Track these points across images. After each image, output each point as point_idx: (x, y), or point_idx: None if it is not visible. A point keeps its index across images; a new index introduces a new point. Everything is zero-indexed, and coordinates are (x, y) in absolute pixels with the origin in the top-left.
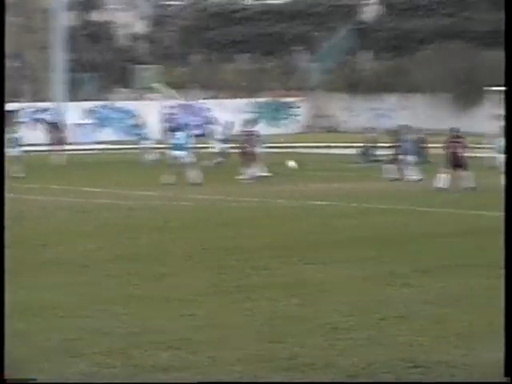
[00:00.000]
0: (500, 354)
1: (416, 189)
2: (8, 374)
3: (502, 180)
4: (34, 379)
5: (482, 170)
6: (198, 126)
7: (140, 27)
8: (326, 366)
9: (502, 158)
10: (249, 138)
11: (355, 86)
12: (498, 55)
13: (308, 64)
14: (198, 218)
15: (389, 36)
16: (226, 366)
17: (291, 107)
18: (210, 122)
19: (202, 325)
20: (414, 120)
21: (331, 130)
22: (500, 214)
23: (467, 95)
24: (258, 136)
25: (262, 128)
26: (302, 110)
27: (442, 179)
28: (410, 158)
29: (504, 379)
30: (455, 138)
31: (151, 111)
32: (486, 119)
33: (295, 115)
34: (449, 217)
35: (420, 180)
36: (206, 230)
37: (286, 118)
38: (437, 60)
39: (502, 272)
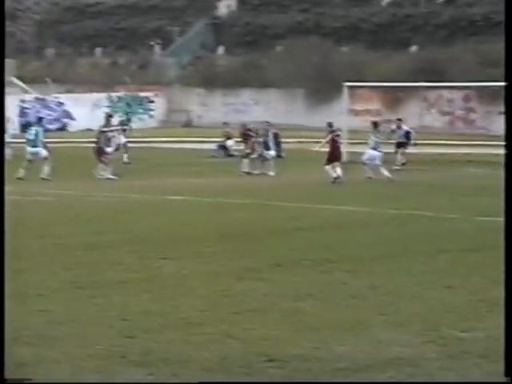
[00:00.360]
0: (349, 348)
1: (273, 183)
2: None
3: (369, 173)
4: (35, 379)
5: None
6: (52, 121)
7: None
8: (181, 360)
9: (373, 153)
10: (104, 134)
11: (211, 80)
12: (352, 51)
13: (163, 58)
14: (52, 214)
15: (243, 31)
16: (79, 362)
17: (147, 102)
18: (65, 116)
19: (58, 320)
20: (269, 115)
21: (187, 124)
22: (358, 209)
23: (321, 90)
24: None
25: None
26: (157, 105)
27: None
28: (270, 153)
29: (504, 379)
30: (332, 133)
31: (7, 106)
32: (339, 114)
33: (151, 110)
34: (307, 211)
35: (276, 175)
36: (60, 226)
37: (142, 113)
38: (291, 55)
39: (357, 266)
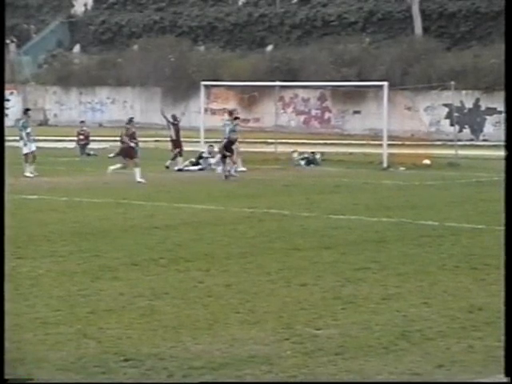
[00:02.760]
0: (205, 346)
1: (130, 182)
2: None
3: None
4: (35, 379)
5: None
6: None
7: None
8: (37, 360)
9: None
10: None
11: (66, 79)
12: (208, 50)
13: (18, 56)
14: None
15: (99, 30)
16: None
17: None
18: None
19: None
20: (126, 114)
21: (42, 123)
22: (214, 208)
23: (178, 89)
24: None
25: None
26: (12, 103)
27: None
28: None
29: (504, 379)
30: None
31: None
32: (194, 113)
33: (6, 108)
34: (163, 210)
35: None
36: None
37: None
38: (147, 54)
39: (212, 264)
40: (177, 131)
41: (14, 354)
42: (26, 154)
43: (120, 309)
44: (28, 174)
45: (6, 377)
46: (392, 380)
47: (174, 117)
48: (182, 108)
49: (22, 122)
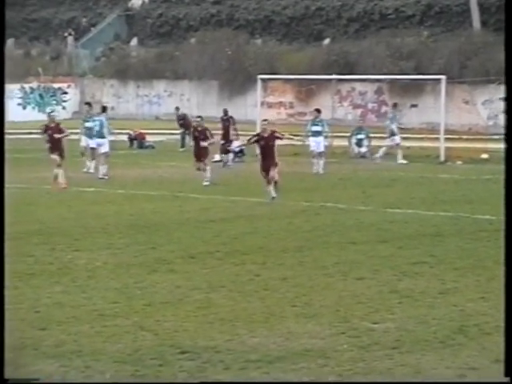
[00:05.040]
0: (261, 340)
1: (187, 175)
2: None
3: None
4: (36, 379)
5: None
6: None
7: None
8: (93, 352)
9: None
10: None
11: (123, 72)
12: (265, 43)
13: (76, 50)
14: None
15: (156, 23)
16: None
17: (60, 93)
18: None
19: None
20: (182, 107)
21: None
22: (270, 201)
23: (234, 82)
24: None
25: (31, 114)
26: (70, 96)
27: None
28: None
29: (504, 379)
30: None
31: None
32: (250, 106)
33: (63, 101)
34: (219, 203)
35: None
36: None
37: (55, 104)
38: (204, 47)
39: (268, 258)
40: (226, 126)
41: (70, 345)
42: (85, 148)
43: (176, 301)
44: (86, 170)
45: (6, 377)
46: (397, 380)
47: (224, 111)
48: (239, 101)
49: (83, 116)
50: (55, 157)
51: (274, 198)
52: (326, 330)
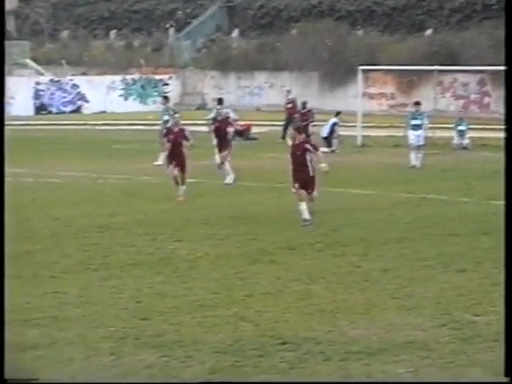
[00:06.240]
0: (362, 331)
1: (284, 166)
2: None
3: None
4: (36, 379)
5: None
6: (67, 103)
7: (8, 2)
8: (194, 342)
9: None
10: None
11: (224, 63)
12: (366, 34)
13: (177, 41)
14: (64, 196)
15: (257, 14)
16: (92, 344)
17: (161, 84)
18: (79, 98)
19: (70, 302)
20: (283, 98)
21: (200, 107)
22: (371, 193)
23: (335, 74)
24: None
25: (132, 105)
26: (171, 88)
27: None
28: None
29: (504, 379)
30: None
31: (20, 88)
32: (351, 98)
33: (165, 93)
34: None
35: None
36: (72, 207)
37: (156, 96)
38: (305, 38)
39: (369, 249)
40: (304, 119)
41: (171, 336)
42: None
43: (277, 292)
44: (157, 162)
45: (6, 377)
46: (396, 380)
47: (303, 104)
48: (339, 92)
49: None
50: (175, 172)
51: (306, 220)
52: (427, 322)
